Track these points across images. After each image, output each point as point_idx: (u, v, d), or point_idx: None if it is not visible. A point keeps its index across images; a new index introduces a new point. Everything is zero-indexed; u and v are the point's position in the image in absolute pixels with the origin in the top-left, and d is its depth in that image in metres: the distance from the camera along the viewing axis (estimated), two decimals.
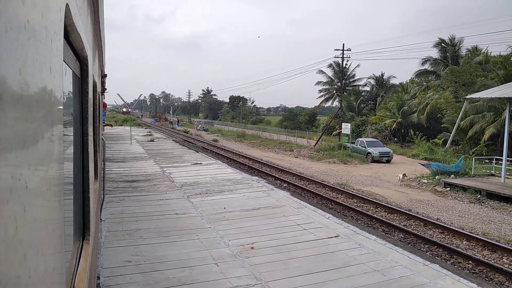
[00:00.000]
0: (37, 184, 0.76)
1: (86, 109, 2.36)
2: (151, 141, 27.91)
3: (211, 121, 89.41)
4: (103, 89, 12.28)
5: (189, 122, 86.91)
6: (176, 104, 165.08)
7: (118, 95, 27.25)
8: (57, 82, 0.95)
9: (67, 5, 1.15)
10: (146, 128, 45.61)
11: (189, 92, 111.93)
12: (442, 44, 44.86)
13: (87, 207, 2.37)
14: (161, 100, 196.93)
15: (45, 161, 0.84)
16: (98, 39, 4.63)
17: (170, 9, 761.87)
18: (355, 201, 15.18)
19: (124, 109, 38.58)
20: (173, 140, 31.39)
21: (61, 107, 1.05)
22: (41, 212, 0.79)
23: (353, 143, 31.49)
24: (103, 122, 20.56)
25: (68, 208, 1.87)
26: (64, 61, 1.42)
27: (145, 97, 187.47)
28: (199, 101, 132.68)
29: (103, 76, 9.93)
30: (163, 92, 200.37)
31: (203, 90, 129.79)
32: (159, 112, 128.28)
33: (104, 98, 18.67)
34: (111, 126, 41.10)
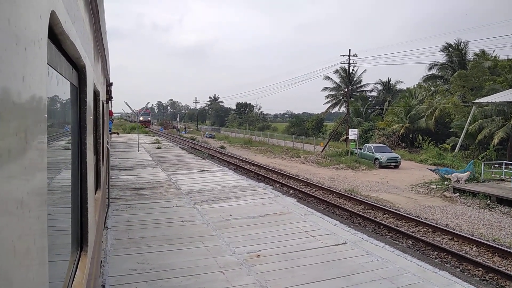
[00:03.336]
0: (7, 197, 0.73)
1: (84, 118, 2.34)
2: (158, 148, 28.02)
3: (218, 128, 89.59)
4: (109, 98, 12.33)
5: (196, 129, 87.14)
6: (183, 111, 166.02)
7: (126, 103, 27.38)
8: (35, 92, 0.93)
9: (53, 12, 1.13)
10: (153, 136, 45.77)
11: (196, 100, 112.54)
12: (449, 48, 44.60)
13: (85, 218, 2.35)
14: (169, 107, 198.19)
15: (20, 172, 0.82)
16: (101, 47, 4.64)
17: (177, 18, 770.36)
18: (363, 207, 15.04)
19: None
20: (180, 147, 31.48)
21: (44, 115, 1.03)
22: (14, 225, 0.77)
23: (360, 148, 31.30)
24: (110, 130, 20.70)
25: (62, 218, 1.85)
26: (56, 70, 1.40)
27: (152, 105, 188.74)
28: (206, 108, 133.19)
29: (108, 84, 9.98)
30: (171, 99, 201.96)
31: (210, 97, 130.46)
32: (167, 119, 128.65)
33: (111, 107, 18.81)
34: (118, 134, 41.44)
